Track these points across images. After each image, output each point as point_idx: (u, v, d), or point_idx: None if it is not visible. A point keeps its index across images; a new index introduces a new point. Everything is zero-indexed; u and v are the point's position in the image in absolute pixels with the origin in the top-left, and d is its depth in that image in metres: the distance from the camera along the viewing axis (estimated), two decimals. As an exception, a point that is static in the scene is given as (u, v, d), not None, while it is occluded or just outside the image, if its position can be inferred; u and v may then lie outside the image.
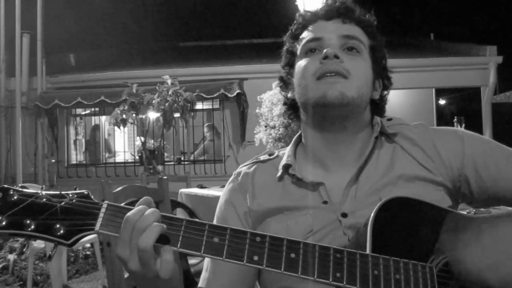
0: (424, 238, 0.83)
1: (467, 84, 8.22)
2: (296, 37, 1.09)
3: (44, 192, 0.79)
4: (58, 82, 8.09)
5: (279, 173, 1.06)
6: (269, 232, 0.99)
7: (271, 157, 1.13)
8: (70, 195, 0.79)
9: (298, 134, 1.15)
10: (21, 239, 5.07)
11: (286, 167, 1.05)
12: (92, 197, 0.80)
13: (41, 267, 4.59)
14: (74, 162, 8.31)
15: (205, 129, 8.31)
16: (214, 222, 1.08)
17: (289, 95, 1.12)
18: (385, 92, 1.12)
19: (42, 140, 7.72)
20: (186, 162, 8.14)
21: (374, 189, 0.97)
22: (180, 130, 8.12)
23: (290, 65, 1.10)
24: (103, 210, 0.78)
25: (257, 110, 4.44)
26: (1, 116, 7.59)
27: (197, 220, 0.79)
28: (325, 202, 0.99)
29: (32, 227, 0.77)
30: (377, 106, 1.10)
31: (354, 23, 1.06)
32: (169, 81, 5.83)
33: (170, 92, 5.77)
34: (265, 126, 4.26)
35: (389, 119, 1.10)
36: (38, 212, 0.77)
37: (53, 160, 7.70)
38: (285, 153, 1.11)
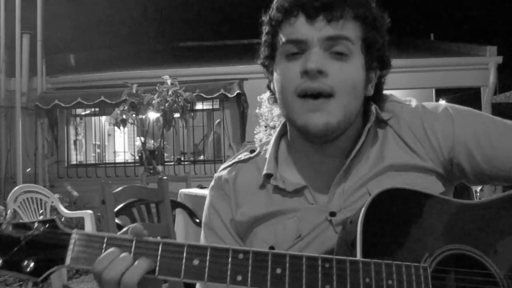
0: (418, 232, 0.80)
1: (467, 84, 8.22)
2: (274, 26, 0.95)
3: (7, 223, 0.73)
4: (58, 82, 8.09)
5: (260, 181, 1.00)
6: (256, 239, 0.96)
7: (252, 154, 1.06)
8: (36, 225, 0.73)
9: (282, 123, 1.07)
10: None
11: (267, 176, 0.99)
12: (60, 224, 0.74)
13: (41, 267, 4.59)
14: (74, 162, 8.32)
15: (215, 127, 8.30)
16: (202, 228, 1.06)
17: (272, 87, 1.02)
18: (383, 73, 1.00)
19: (42, 140, 7.72)
20: (186, 162, 8.15)
21: (362, 182, 0.93)
22: (180, 130, 8.12)
23: (271, 58, 0.98)
24: (72, 241, 0.73)
25: (257, 110, 4.44)
26: (1, 116, 7.59)
27: (173, 241, 0.74)
28: (311, 204, 0.95)
29: (0, 263, 0.71)
30: (372, 98, 0.99)
31: (343, 17, 0.90)
32: (169, 81, 5.84)
33: (170, 92, 5.78)
34: (265, 126, 4.27)
35: None
36: (3, 247, 0.72)
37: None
38: (268, 151, 1.04)
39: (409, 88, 8.67)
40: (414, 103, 1.00)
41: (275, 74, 0.97)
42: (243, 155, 1.07)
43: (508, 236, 0.83)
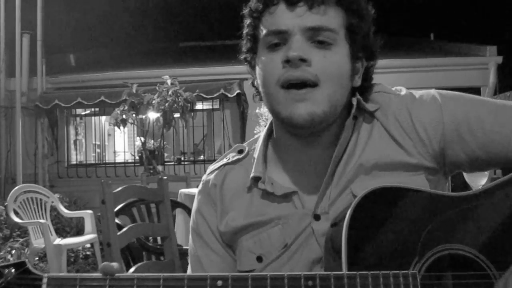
0: (406, 235, 0.75)
1: (467, 84, 8.22)
2: (256, 18, 0.93)
3: None
4: (58, 82, 8.09)
5: (248, 184, 0.96)
6: (243, 250, 0.93)
7: (241, 155, 1.02)
8: (7, 271, 0.72)
9: (270, 121, 1.02)
10: (21, 240, 5.07)
11: (255, 179, 0.94)
12: (30, 267, 0.73)
13: (41, 267, 4.59)
14: (74, 162, 8.32)
15: None
16: (190, 233, 1.04)
17: (255, 83, 0.99)
18: (370, 64, 0.95)
19: (42, 140, 7.72)
20: (186, 162, 8.15)
21: (345, 182, 0.89)
22: (180, 130, 8.12)
23: (253, 51, 0.96)
24: (44, 286, 0.72)
25: (257, 110, 4.45)
26: (1, 116, 7.59)
27: (148, 275, 0.72)
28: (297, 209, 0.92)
29: None
30: (360, 89, 0.94)
31: (324, 3, 0.87)
32: (169, 81, 5.84)
33: (170, 92, 5.78)
34: (265, 126, 4.27)
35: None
36: None
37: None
38: (256, 150, 0.99)
39: (409, 88, 8.68)
40: (403, 91, 0.95)
41: (257, 68, 0.94)
42: (231, 156, 1.03)
43: (501, 229, 0.78)
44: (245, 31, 0.96)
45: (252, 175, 0.95)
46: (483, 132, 0.87)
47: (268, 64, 0.89)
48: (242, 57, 1.00)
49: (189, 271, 1.01)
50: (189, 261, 1.03)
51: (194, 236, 1.02)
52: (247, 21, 0.95)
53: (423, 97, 0.92)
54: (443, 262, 0.75)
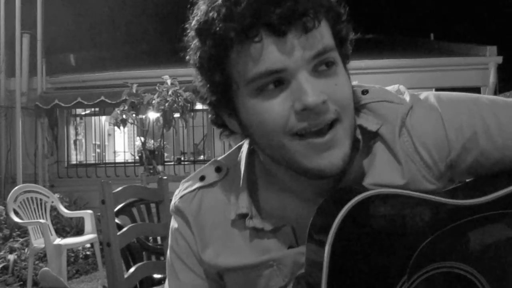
0: (397, 251, 0.66)
1: (467, 84, 8.23)
2: (223, 58, 0.71)
3: None
4: (58, 82, 8.09)
5: (232, 217, 0.82)
6: (231, 284, 0.84)
7: (219, 177, 0.86)
8: None
9: (248, 146, 0.85)
10: (21, 240, 5.07)
11: (242, 216, 0.81)
12: None
13: (41, 267, 4.59)
14: (74, 162, 8.32)
15: None
16: (168, 252, 0.92)
17: (226, 124, 0.82)
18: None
19: (42, 140, 7.72)
20: (186, 162, 8.15)
21: None
22: (180, 130, 8.12)
23: (227, 99, 0.75)
24: None
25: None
26: (1, 116, 7.59)
27: None
28: (291, 247, 0.80)
29: None
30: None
31: (318, 21, 0.68)
32: (169, 81, 5.84)
33: (170, 92, 5.78)
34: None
35: (364, 91, 0.80)
36: None
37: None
38: (240, 175, 0.83)
39: (409, 88, 8.67)
40: (407, 98, 0.80)
41: (242, 114, 0.74)
42: (208, 176, 0.87)
43: (504, 246, 0.70)
44: (206, 78, 0.77)
45: (238, 212, 0.81)
46: (493, 146, 0.75)
47: (268, 113, 0.69)
48: (206, 104, 0.81)
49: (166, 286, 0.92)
50: (167, 276, 0.92)
51: (173, 256, 0.90)
52: (208, 64, 0.74)
53: (421, 109, 0.78)
54: (434, 281, 0.67)
